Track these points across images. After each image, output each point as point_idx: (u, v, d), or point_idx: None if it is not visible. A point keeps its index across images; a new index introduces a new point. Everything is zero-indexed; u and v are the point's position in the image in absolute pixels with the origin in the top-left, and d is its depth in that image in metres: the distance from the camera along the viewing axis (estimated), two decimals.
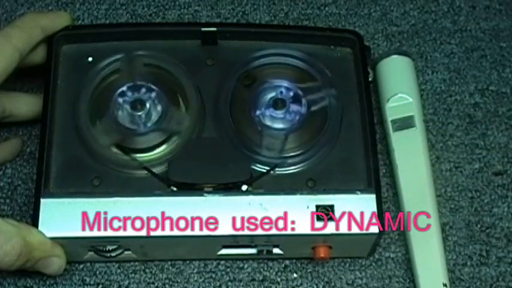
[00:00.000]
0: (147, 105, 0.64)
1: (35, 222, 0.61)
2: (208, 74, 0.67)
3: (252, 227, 0.61)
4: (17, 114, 0.67)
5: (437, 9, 0.78)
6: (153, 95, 0.65)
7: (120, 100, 0.64)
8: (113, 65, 0.66)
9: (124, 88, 0.65)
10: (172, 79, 0.66)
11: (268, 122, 0.65)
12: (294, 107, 0.65)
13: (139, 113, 0.64)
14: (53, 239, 0.60)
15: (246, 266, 0.67)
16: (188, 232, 0.61)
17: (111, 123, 0.64)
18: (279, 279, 0.66)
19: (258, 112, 0.65)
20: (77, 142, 0.64)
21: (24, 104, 0.68)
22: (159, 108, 0.64)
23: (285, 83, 0.66)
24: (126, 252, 0.64)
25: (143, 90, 0.65)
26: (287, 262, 0.67)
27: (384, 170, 0.70)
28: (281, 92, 0.66)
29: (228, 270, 0.66)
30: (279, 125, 0.65)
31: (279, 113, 0.65)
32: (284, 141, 0.64)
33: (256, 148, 0.64)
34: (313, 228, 0.61)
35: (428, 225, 0.66)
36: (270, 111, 0.65)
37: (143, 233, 0.61)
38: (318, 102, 0.65)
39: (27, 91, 0.72)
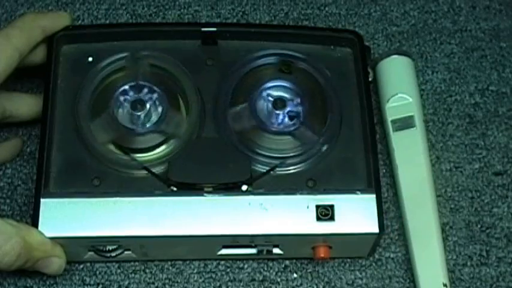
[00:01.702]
0: (147, 106, 0.64)
1: (35, 222, 0.60)
2: (208, 74, 0.67)
3: (252, 227, 0.61)
4: (17, 115, 0.67)
5: (437, 9, 0.78)
6: (155, 96, 0.65)
7: (121, 98, 0.65)
8: (113, 65, 0.66)
9: (126, 87, 0.65)
10: (172, 79, 0.66)
11: (267, 122, 0.65)
12: (293, 107, 0.65)
13: (138, 113, 0.64)
14: (53, 239, 0.60)
15: (246, 266, 0.67)
16: (188, 232, 0.61)
17: (110, 120, 0.64)
18: (279, 279, 0.66)
19: (257, 112, 0.65)
20: (77, 142, 0.64)
21: (24, 105, 0.68)
22: (159, 109, 0.65)
23: (285, 83, 0.66)
24: (126, 252, 0.64)
25: (145, 90, 0.65)
26: (287, 262, 0.67)
27: (384, 170, 0.70)
28: (280, 93, 0.66)
29: (228, 270, 0.66)
30: (278, 125, 0.65)
31: (279, 113, 0.65)
32: (284, 140, 0.64)
33: (256, 148, 0.64)
34: (313, 228, 0.61)
35: (428, 225, 0.66)
36: (269, 111, 0.65)
37: (143, 233, 0.61)
38: (304, 139, 0.64)
39: (27, 91, 0.72)
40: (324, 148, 0.64)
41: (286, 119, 0.65)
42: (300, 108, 0.65)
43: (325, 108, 0.66)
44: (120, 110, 0.64)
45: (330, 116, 0.65)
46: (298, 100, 0.65)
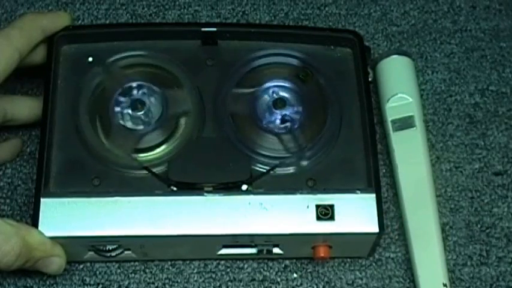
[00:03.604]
0: (147, 106, 0.64)
1: (35, 222, 0.60)
2: (208, 74, 0.67)
3: (252, 226, 0.61)
4: (18, 118, 0.67)
5: (437, 9, 0.78)
6: (155, 96, 0.65)
7: (118, 109, 0.65)
8: (113, 65, 0.66)
9: (116, 96, 0.65)
10: (172, 79, 0.66)
11: (268, 122, 0.65)
12: (293, 107, 0.65)
13: (139, 113, 0.64)
14: (53, 238, 0.60)
15: (246, 266, 0.67)
16: (188, 232, 0.61)
17: (121, 132, 0.64)
18: (279, 279, 0.66)
19: (257, 111, 0.65)
20: (77, 142, 0.64)
21: (25, 108, 0.68)
22: (159, 109, 0.65)
23: (285, 83, 0.66)
24: (126, 252, 0.64)
25: (145, 91, 0.65)
26: (287, 262, 0.67)
27: (384, 170, 0.70)
28: (280, 93, 0.66)
29: (228, 270, 0.66)
30: (278, 125, 0.65)
31: (275, 112, 0.65)
32: (284, 140, 0.64)
33: (256, 148, 0.64)
34: (313, 228, 0.61)
35: (428, 225, 0.66)
36: (269, 110, 0.65)
37: (143, 232, 0.61)
38: (288, 147, 0.65)
39: (27, 91, 0.72)
40: (324, 148, 0.64)
41: (278, 121, 0.65)
42: (296, 117, 0.65)
43: (325, 109, 0.66)
44: (121, 110, 0.64)
45: (330, 116, 0.65)
46: (299, 109, 0.65)
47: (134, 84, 0.66)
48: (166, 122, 0.64)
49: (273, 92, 0.66)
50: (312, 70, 0.67)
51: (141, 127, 0.64)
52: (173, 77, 0.66)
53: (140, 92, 0.66)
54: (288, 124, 0.65)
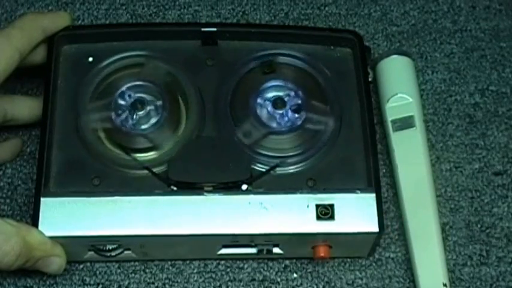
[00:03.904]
0: (147, 106, 0.64)
1: (35, 222, 0.61)
2: (208, 74, 0.67)
3: (252, 226, 0.61)
4: (18, 118, 0.67)
5: (437, 9, 0.78)
6: (155, 96, 0.65)
7: (122, 98, 0.65)
8: (113, 65, 0.66)
9: (126, 87, 0.65)
10: (172, 79, 0.66)
11: (267, 121, 0.65)
12: (293, 108, 0.65)
13: (139, 113, 0.64)
14: (53, 238, 0.60)
15: (246, 266, 0.67)
16: (188, 231, 0.61)
17: (122, 132, 0.64)
18: (279, 279, 0.66)
19: (257, 111, 0.65)
20: (77, 142, 0.64)
21: (25, 108, 0.68)
22: (159, 109, 0.65)
23: (285, 83, 0.66)
24: (126, 252, 0.64)
25: (145, 91, 0.65)
26: (287, 262, 0.67)
27: (384, 170, 0.70)
28: (280, 92, 0.66)
29: (228, 270, 0.66)
30: (278, 125, 0.65)
31: (282, 112, 0.65)
32: (284, 140, 0.64)
33: (256, 148, 0.64)
34: (313, 228, 0.61)
35: (429, 225, 0.66)
36: (269, 110, 0.65)
37: (143, 232, 0.61)
38: (315, 124, 0.65)
39: (27, 91, 0.72)
40: (324, 148, 0.64)
41: (290, 114, 0.65)
42: (296, 116, 0.65)
43: (325, 108, 0.66)
44: (121, 110, 0.64)
45: (330, 116, 0.65)
46: (294, 93, 0.65)
47: (134, 84, 0.66)
48: (167, 121, 0.64)
49: (273, 92, 0.66)
50: (270, 58, 0.67)
51: (140, 127, 0.64)
52: (173, 77, 0.66)
53: (140, 92, 0.65)
54: (287, 124, 0.65)
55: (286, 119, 0.65)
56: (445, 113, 0.73)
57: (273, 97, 0.66)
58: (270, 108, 0.65)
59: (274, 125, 0.65)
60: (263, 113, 0.65)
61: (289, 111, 0.65)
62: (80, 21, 0.77)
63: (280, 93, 0.66)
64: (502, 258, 0.67)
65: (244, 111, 0.65)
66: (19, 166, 0.70)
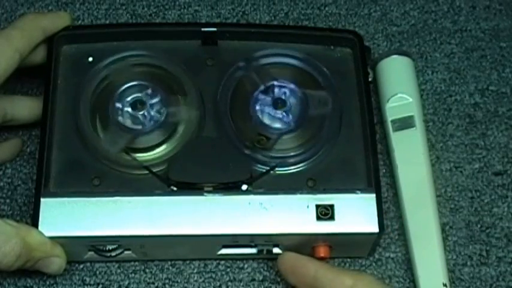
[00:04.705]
0: (148, 106, 0.64)
1: (35, 222, 0.61)
2: (208, 74, 0.67)
3: (252, 226, 0.61)
4: (18, 118, 0.67)
5: (437, 9, 0.78)
6: (155, 96, 0.65)
7: (122, 98, 0.65)
8: (113, 65, 0.66)
9: (126, 87, 0.65)
10: (172, 79, 0.66)
11: (267, 121, 0.65)
12: (293, 108, 0.65)
13: (139, 113, 0.64)
14: (53, 238, 0.60)
15: (246, 266, 0.67)
16: (188, 232, 0.61)
17: (118, 129, 0.64)
18: (279, 279, 0.66)
19: (258, 111, 0.65)
20: (77, 142, 0.64)
21: (25, 108, 0.68)
22: (159, 109, 0.64)
23: (286, 84, 0.66)
24: (126, 252, 0.64)
25: (145, 90, 0.65)
26: None
27: (384, 170, 0.70)
28: (280, 93, 0.66)
29: (228, 270, 0.66)
30: (278, 125, 0.65)
31: (279, 113, 0.65)
32: (284, 140, 0.64)
33: (256, 148, 0.64)
34: (313, 228, 0.61)
35: (429, 225, 0.66)
36: (269, 110, 0.65)
37: (143, 232, 0.61)
38: (319, 108, 0.65)
39: (27, 91, 0.72)
40: (324, 148, 0.64)
41: (278, 121, 0.65)
42: (296, 117, 0.65)
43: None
44: (121, 111, 0.64)
45: (330, 116, 0.65)
46: (299, 109, 0.65)
47: (134, 84, 0.66)
48: (167, 122, 0.64)
49: (273, 92, 0.66)
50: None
51: (140, 127, 0.64)
52: (173, 77, 0.66)
53: (140, 92, 0.65)
54: (287, 124, 0.65)
55: (291, 114, 0.65)
56: (445, 113, 0.73)
57: (275, 96, 0.66)
58: (268, 103, 0.65)
59: (280, 125, 0.65)
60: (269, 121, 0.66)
61: (279, 116, 0.65)
62: (80, 21, 0.77)
63: (273, 94, 0.66)
64: (502, 258, 0.67)
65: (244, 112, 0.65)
66: (19, 166, 0.70)
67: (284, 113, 0.65)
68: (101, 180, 0.63)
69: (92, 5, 0.78)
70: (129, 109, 0.65)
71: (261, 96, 0.66)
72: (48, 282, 0.65)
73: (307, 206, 0.62)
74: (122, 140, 0.63)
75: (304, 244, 0.63)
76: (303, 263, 0.61)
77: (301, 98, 0.66)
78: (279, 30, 0.72)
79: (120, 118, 0.64)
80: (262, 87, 0.66)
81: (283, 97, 0.66)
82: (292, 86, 0.66)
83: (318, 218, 0.62)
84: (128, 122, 0.64)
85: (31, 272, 0.62)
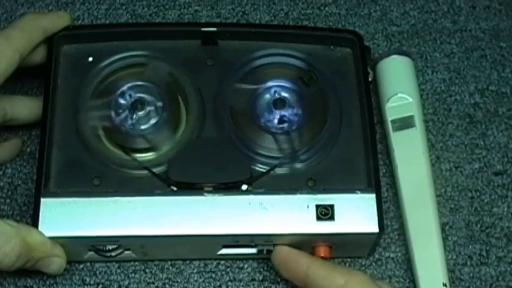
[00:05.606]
0: (148, 106, 0.64)
1: (35, 222, 0.60)
2: (208, 74, 0.67)
3: (252, 226, 0.61)
4: (18, 118, 0.67)
5: (437, 9, 0.78)
6: (155, 96, 0.65)
7: (121, 98, 0.65)
8: (113, 65, 0.66)
9: (126, 87, 0.65)
10: (172, 79, 0.66)
11: (268, 122, 0.65)
12: (293, 108, 0.65)
13: (139, 113, 0.64)
14: (53, 238, 0.60)
15: (246, 266, 0.67)
16: (188, 232, 0.61)
17: (121, 132, 0.64)
18: (279, 279, 0.66)
19: (257, 111, 0.65)
20: (77, 142, 0.64)
21: (25, 108, 0.68)
22: (159, 110, 0.64)
23: (285, 83, 0.66)
24: (126, 252, 0.64)
25: (145, 91, 0.65)
26: None
27: (384, 170, 0.70)
28: (281, 93, 0.66)
29: (228, 270, 0.66)
30: (278, 125, 0.65)
31: (279, 113, 0.65)
32: (284, 141, 0.64)
33: (256, 148, 0.64)
34: (313, 228, 0.61)
35: (429, 225, 0.66)
36: (270, 110, 0.65)
37: (143, 232, 0.61)
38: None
39: (27, 91, 0.72)
40: (324, 148, 0.64)
41: (278, 121, 0.65)
42: (296, 117, 0.65)
43: (325, 109, 0.66)
44: (121, 110, 0.65)
45: (330, 116, 0.65)
46: (299, 109, 0.65)
47: (134, 84, 0.66)
48: (167, 122, 0.64)
49: (273, 92, 0.66)
50: (315, 73, 0.67)
51: (140, 127, 0.64)
52: (173, 77, 0.66)
53: (140, 92, 0.65)
54: (287, 124, 0.65)
55: (270, 118, 0.65)
56: (445, 113, 0.73)
57: (275, 96, 0.66)
58: (270, 100, 0.66)
59: (261, 114, 0.65)
60: (262, 97, 0.66)
61: (278, 117, 0.65)
62: (80, 21, 0.77)
63: (287, 96, 0.66)
64: (502, 258, 0.67)
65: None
66: (19, 166, 0.70)
67: (284, 113, 0.65)
68: (101, 180, 0.63)
69: (92, 5, 0.78)
70: (129, 110, 0.65)
71: (261, 96, 0.66)
72: (48, 282, 0.65)
73: (307, 206, 0.62)
74: (103, 119, 0.63)
75: (304, 244, 0.63)
76: (295, 258, 0.61)
77: (301, 98, 0.66)
78: (279, 30, 0.72)
79: (121, 120, 0.64)
80: (262, 87, 0.66)
81: (282, 97, 0.66)
82: (292, 85, 0.66)
83: (318, 218, 0.62)
84: (129, 123, 0.64)
85: (31, 272, 0.62)
